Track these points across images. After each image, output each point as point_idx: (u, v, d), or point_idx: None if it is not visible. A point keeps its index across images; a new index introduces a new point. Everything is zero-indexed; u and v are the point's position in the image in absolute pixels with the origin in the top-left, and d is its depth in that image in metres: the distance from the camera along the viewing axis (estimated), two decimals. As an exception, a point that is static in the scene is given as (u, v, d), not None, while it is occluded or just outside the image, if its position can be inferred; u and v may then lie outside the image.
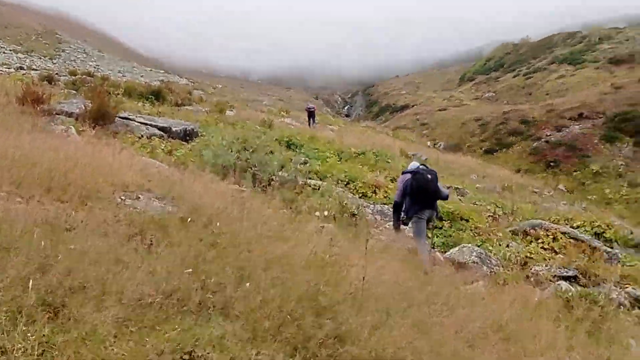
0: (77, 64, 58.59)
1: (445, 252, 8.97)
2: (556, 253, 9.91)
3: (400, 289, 4.86)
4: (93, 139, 9.98)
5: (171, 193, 6.37)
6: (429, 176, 7.38)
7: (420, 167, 7.61)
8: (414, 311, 4.33)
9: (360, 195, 11.75)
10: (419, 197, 7.37)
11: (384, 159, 15.48)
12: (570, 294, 5.36)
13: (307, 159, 13.45)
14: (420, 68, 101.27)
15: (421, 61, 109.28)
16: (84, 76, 27.43)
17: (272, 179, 9.55)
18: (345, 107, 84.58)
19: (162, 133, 11.93)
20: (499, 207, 12.63)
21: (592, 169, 38.97)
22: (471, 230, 9.95)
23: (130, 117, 12.34)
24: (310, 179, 11.47)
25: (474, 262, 7.70)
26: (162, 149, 9.88)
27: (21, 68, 28.89)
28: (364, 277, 4.49)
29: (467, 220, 10.25)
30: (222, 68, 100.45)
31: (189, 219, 5.57)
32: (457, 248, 8.22)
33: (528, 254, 9.20)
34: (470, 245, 8.29)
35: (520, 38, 79.14)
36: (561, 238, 10.21)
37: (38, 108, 11.10)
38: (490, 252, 8.88)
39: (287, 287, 4.28)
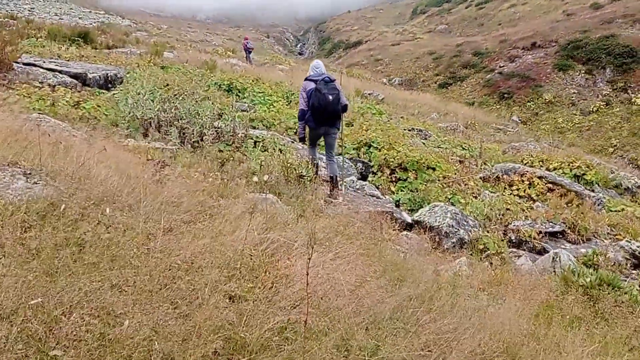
0: (10, 7, 53.48)
1: (413, 210, 7.49)
2: (534, 201, 8.60)
3: (361, 299, 3.33)
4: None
5: (48, 165, 4.57)
6: (331, 97, 6.68)
7: (325, 76, 6.87)
8: (381, 345, 2.81)
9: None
10: (319, 116, 6.79)
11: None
12: (588, 279, 3.95)
13: (251, 104, 11.61)
14: (370, 2, 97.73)
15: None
16: (6, 19, 24.26)
17: (204, 133, 7.77)
18: (298, 45, 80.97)
19: (74, 81, 9.84)
20: (464, 149, 11.19)
21: (545, 99, 38.22)
22: (439, 180, 8.48)
23: (36, 62, 10.17)
24: (253, 128, 9.72)
25: (449, 225, 6.24)
26: (67, 101, 7.90)
27: None
28: (307, 294, 2.90)
29: (434, 169, 8.77)
30: (168, 8, 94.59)
31: (62, 206, 3.84)
32: (427, 208, 6.73)
33: (504, 205, 7.82)
34: (442, 204, 6.81)
35: (471, -32, 76.45)
36: (538, 183, 8.87)
37: None
38: (464, 207, 7.46)
39: (184, 331, 2.67)
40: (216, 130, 8.21)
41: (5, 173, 4.32)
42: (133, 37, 26.84)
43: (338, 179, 7.15)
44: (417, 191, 8.01)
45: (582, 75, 39.65)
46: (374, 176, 8.57)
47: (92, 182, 4.40)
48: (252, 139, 8.38)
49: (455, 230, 6.17)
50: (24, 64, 9.86)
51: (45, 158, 4.73)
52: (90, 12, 62.45)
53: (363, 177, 8.63)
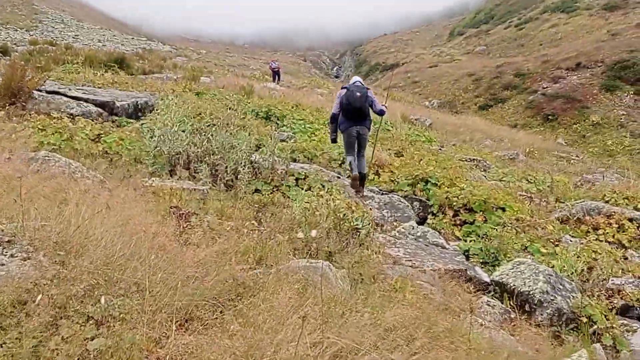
0: (55, 34, 54.31)
1: (487, 263, 6.15)
2: (626, 248, 7.16)
3: None
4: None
5: (34, 229, 3.46)
6: (358, 94, 7.38)
7: (357, 81, 7.77)
8: None
9: (360, 178, 8.88)
10: (349, 114, 7.47)
11: (384, 126, 12.53)
12: None
13: (290, 133, 10.49)
14: (406, 25, 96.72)
15: (407, 18, 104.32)
16: (45, 45, 24.04)
17: (239, 170, 6.64)
18: (334, 68, 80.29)
19: (100, 110, 8.90)
20: (530, 182, 9.79)
21: (593, 120, 36.26)
22: (511, 224, 7.13)
23: (60, 90, 9.30)
24: (294, 160, 8.58)
25: (542, 291, 4.88)
26: (87, 134, 6.89)
27: (-24, 40, 25.32)
28: None
29: (504, 209, 7.42)
30: (207, 34, 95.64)
31: (39, 297, 2.77)
32: (510, 266, 5.38)
33: (593, 254, 6.41)
34: (529, 260, 5.44)
35: (509, -11, 74.66)
36: (629, 227, 7.42)
37: None
38: (546, 260, 6.10)
39: None
40: (253, 166, 7.08)
41: (-24, 241, 3.23)
42: (171, 62, 26.30)
43: (365, 176, 7.84)
44: (487, 238, 6.67)
45: (631, 96, 37.70)
46: (434, 218, 7.27)
47: (90, 253, 3.27)
48: (293, 175, 7.22)
49: (551, 297, 4.82)
50: (48, 92, 8.98)
51: (35, 216, 3.63)
52: (132, 38, 63.25)
53: (421, 219, 7.34)
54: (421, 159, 9.70)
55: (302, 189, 6.93)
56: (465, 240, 6.76)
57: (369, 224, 5.16)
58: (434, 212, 7.37)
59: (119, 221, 3.91)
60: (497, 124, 28.47)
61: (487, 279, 5.50)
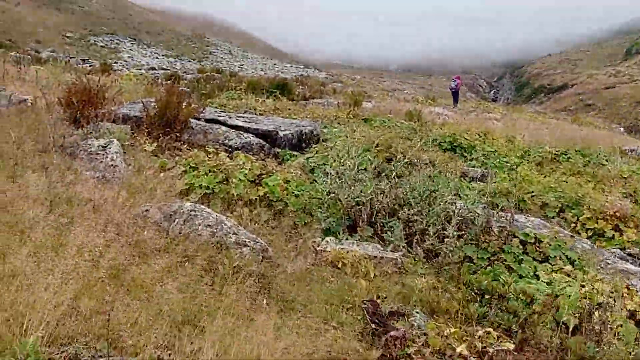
0: (223, 64, 57.56)
1: None
2: None
3: None
4: (136, 158, 5.80)
5: None
6: None
7: None
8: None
9: (591, 234, 6.42)
10: None
11: (596, 160, 9.77)
12: None
13: (484, 169, 8.27)
14: (567, 46, 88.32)
15: (567, 39, 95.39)
16: (212, 73, 24.33)
17: (445, 233, 4.63)
18: (491, 92, 75.46)
19: (261, 142, 7.48)
20: None
21: None
22: None
23: (220, 118, 8.08)
24: (495, 206, 6.36)
25: None
26: (245, 175, 5.36)
27: (152, 69, 26.43)
28: None
29: None
30: (360, 60, 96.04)
31: None
32: None
33: None
34: None
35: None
36: None
37: (90, 113, 7.24)
38: None
39: None
40: (457, 222, 5.02)
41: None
42: (330, 87, 25.33)
43: None
44: None
45: None
46: None
47: None
48: (516, 235, 5.03)
49: None
50: (206, 120, 7.81)
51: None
52: (291, 66, 65.10)
53: None
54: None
55: (534, 258, 4.74)
56: None
57: None
58: None
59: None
60: None
61: None
